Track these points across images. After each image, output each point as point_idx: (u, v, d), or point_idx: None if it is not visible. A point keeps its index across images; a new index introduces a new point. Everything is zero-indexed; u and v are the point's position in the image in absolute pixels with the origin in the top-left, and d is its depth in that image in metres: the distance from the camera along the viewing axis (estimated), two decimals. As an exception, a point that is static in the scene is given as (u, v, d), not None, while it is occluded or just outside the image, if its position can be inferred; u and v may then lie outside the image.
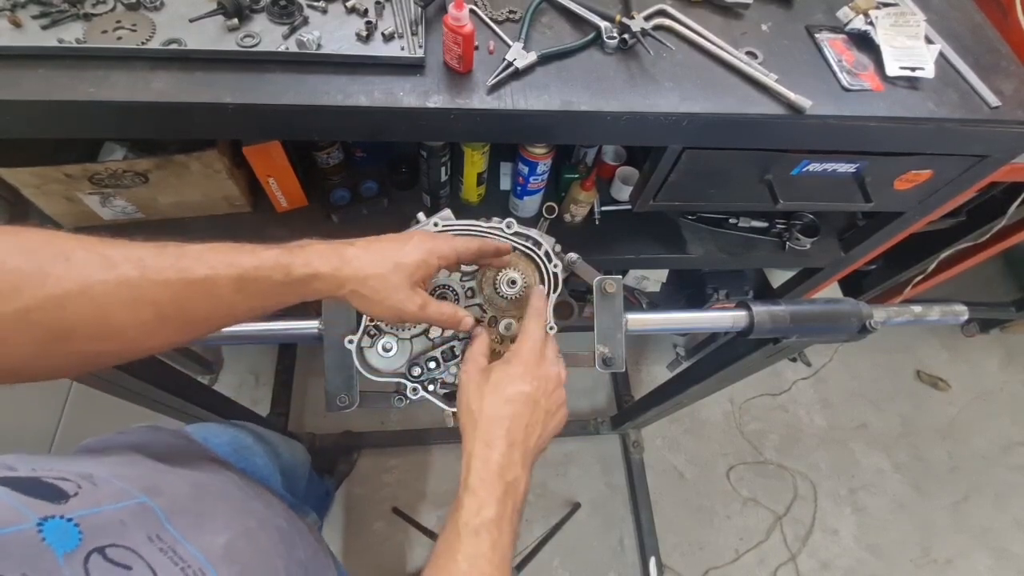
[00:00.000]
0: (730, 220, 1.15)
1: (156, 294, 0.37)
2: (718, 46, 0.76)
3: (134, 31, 0.65)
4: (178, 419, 0.97)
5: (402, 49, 0.69)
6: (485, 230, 0.60)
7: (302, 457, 1.02)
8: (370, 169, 1.07)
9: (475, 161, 0.98)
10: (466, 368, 0.53)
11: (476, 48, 0.70)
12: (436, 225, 0.59)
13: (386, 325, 0.59)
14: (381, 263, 0.45)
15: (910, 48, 0.79)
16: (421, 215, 0.60)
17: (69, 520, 0.30)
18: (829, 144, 0.81)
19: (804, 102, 0.72)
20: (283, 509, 0.55)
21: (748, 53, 0.77)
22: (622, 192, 1.11)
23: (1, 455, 0.35)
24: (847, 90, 0.76)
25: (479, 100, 0.69)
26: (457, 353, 0.59)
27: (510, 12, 0.77)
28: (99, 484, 0.35)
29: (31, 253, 0.33)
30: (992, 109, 0.78)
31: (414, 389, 0.58)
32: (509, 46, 0.72)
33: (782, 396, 1.89)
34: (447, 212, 0.60)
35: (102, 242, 0.36)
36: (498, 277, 0.59)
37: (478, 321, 0.58)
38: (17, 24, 0.63)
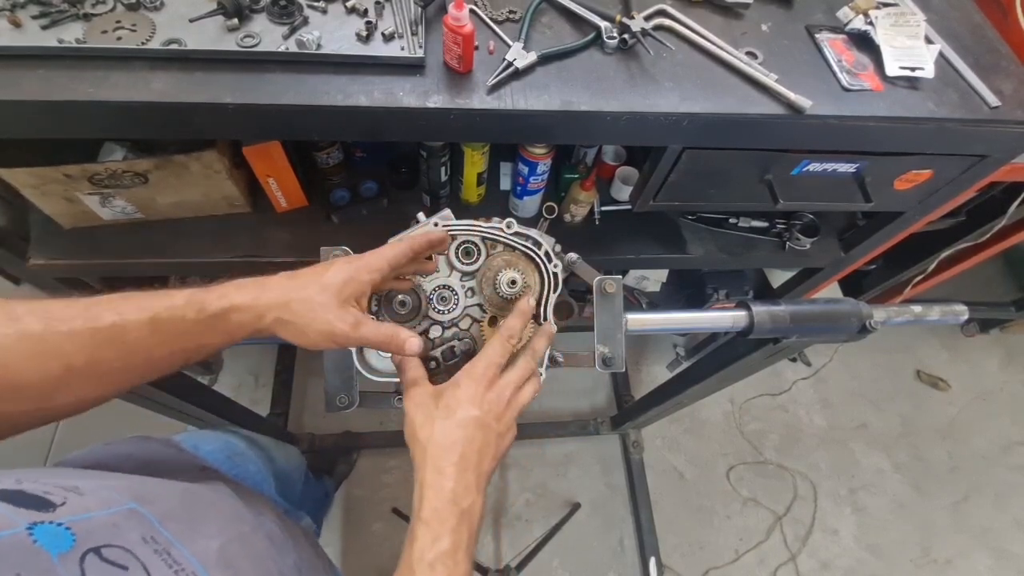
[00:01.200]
0: (730, 220, 1.15)
1: (62, 345, 0.35)
2: (718, 46, 0.76)
3: (134, 31, 0.65)
4: (177, 420, 0.97)
5: (402, 49, 0.69)
6: (485, 230, 0.60)
7: (296, 461, 1.02)
8: (370, 169, 1.07)
9: (475, 161, 0.98)
10: (409, 394, 0.49)
11: (476, 48, 0.70)
12: (436, 225, 0.59)
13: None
14: (305, 286, 0.43)
15: (910, 48, 0.79)
16: (421, 215, 0.60)
17: (60, 524, 0.29)
18: (829, 144, 0.81)
19: (804, 102, 0.72)
20: (276, 515, 0.54)
21: (748, 53, 0.77)
22: (622, 192, 1.11)
23: None
24: (847, 90, 0.76)
25: (479, 100, 0.69)
26: (457, 353, 0.59)
27: (510, 12, 0.77)
28: (86, 494, 0.34)
29: None
30: (992, 109, 0.78)
31: (414, 389, 0.58)
32: (509, 46, 0.72)
33: (782, 396, 1.90)
34: (447, 212, 0.60)
35: (6, 300, 0.35)
36: (498, 277, 0.59)
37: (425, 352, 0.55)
38: (17, 24, 0.63)
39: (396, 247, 0.50)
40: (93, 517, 0.32)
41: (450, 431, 0.46)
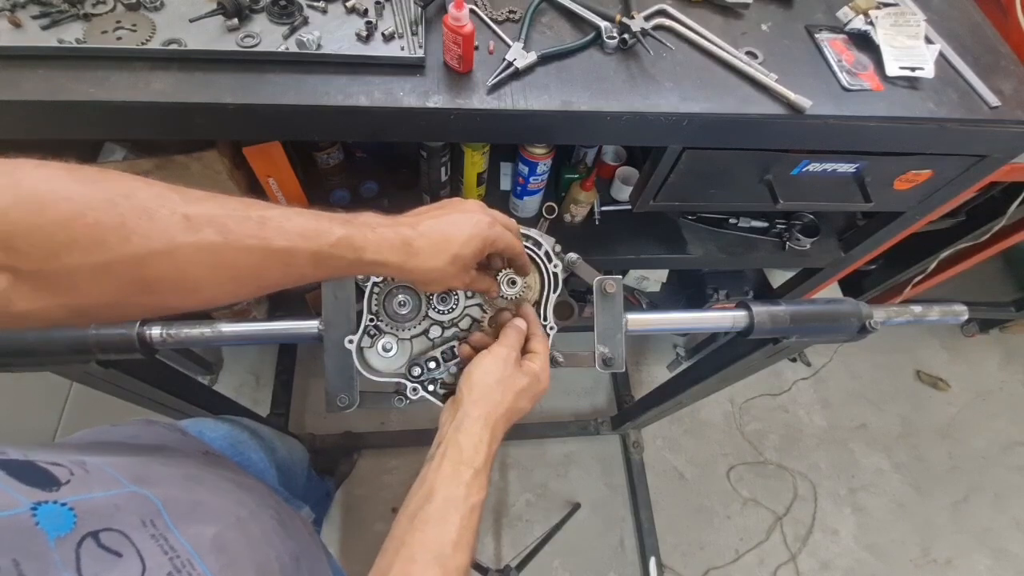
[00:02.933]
0: (730, 220, 1.15)
1: (236, 260, 0.37)
2: (718, 46, 0.76)
3: (134, 31, 0.65)
4: (178, 420, 0.97)
5: (402, 49, 0.69)
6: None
7: (300, 455, 1.02)
8: (370, 169, 1.07)
9: (475, 161, 0.98)
10: (505, 353, 0.54)
11: (476, 48, 0.70)
12: None
13: (386, 325, 0.59)
14: (442, 254, 0.47)
15: (910, 48, 0.79)
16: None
17: (63, 504, 0.30)
18: (829, 144, 0.81)
19: (804, 102, 0.72)
20: (276, 502, 0.55)
21: (748, 53, 0.77)
22: (622, 192, 1.11)
23: None
24: (847, 90, 0.76)
25: (479, 100, 0.69)
26: (457, 353, 0.59)
27: (510, 12, 0.77)
28: (91, 471, 0.35)
29: (113, 205, 0.33)
30: (992, 109, 0.78)
31: (414, 389, 0.58)
32: (509, 46, 0.72)
33: (782, 396, 1.89)
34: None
35: (182, 198, 0.36)
36: (498, 277, 0.59)
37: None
38: (17, 24, 0.63)
39: (515, 246, 0.54)
40: (95, 497, 0.32)
41: (515, 409, 0.52)
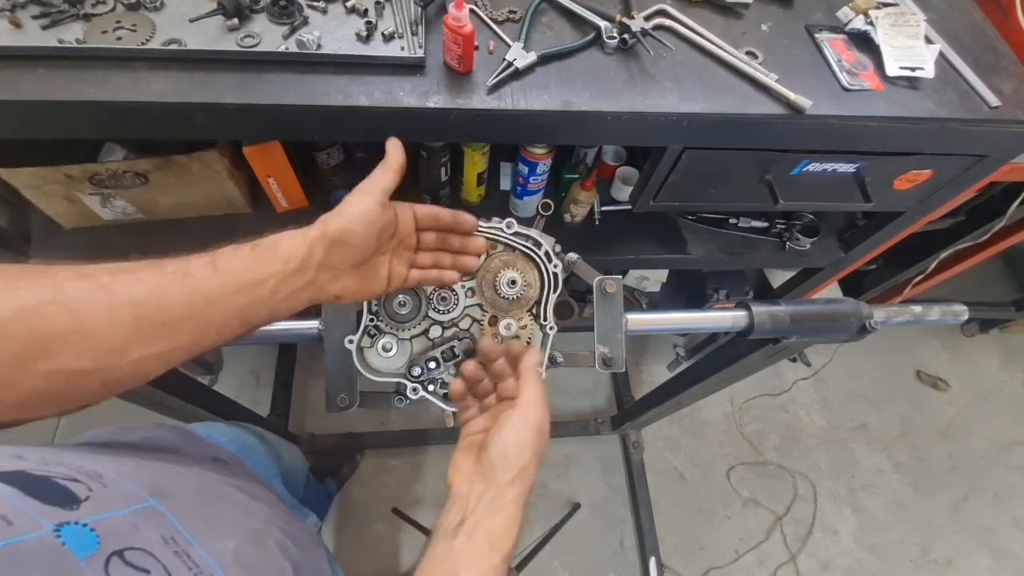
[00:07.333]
0: (730, 220, 1.15)
1: (131, 291, 0.37)
2: (718, 46, 0.76)
3: (134, 31, 0.65)
4: (178, 420, 0.97)
5: (402, 49, 0.69)
6: (485, 230, 0.60)
7: (300, 462, 1.02)
8: (370, 169, 1.06)
9: (475, 161, 0.98)
10: (541, 420, 0.48)
11: (476, 48, 0.70)
12: None
13: (386, 325, 0.59)
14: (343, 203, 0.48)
15: (910, 48, 0.79)
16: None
17: (85, 525, 0.29)
18: (829, 144, 0.81)
19: (804, 102, 0.72)
20: (284, 511, 0.55)
21: (748, 53, 0.77)
22: (622, 192, 1.11)
23: (7, 445, 0.34)
24: (847, 90, 0.76)
25: (479, 100, 0.69)
26: (457, 353, 0.59)
27: (510, 12, 0.77)
28: (109, 485, 0.35)
29: None
30: (992, 109, 0.78)
31: (414, 389, 0.58)
32: (509, 46, 0.72)
33: (782, 396, 1.90)
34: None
35: (80, 265, 0.37)
36: (498, 277, 0.59)
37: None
38: (17, 24, 0.63)
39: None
40: (113, 516, 0.32)
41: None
